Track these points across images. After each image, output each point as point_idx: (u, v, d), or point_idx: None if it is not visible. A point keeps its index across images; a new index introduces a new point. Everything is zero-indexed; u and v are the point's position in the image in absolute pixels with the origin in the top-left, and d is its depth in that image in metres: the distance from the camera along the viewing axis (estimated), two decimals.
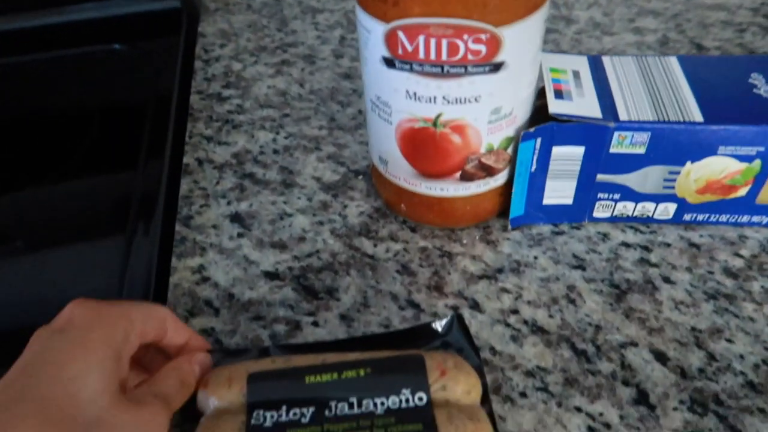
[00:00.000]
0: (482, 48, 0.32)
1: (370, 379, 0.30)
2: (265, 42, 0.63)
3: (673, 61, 0.43)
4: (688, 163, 0.40)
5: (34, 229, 0.49)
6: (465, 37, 0.32)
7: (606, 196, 0.42)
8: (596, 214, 0.44)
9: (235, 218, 0.46)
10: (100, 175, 0.53)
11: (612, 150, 0.39)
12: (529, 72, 0.36)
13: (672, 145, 0.39)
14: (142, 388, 0.29)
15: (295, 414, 0.29)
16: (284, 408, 0.29)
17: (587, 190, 0.42)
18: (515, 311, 0.40)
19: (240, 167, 0.50)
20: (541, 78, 0.40)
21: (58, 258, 0.47)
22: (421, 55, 0.33)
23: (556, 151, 0.40)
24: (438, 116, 0.36)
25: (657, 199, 0.42)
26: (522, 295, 0.41)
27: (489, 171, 0.40)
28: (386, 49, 0.34)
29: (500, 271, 0.42)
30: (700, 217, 0.43)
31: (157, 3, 0.68)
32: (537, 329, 0.39)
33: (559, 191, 0.42)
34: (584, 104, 0.39)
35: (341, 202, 0.47)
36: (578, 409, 0.35)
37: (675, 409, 0.35)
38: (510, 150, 0.39)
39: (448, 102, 0.35)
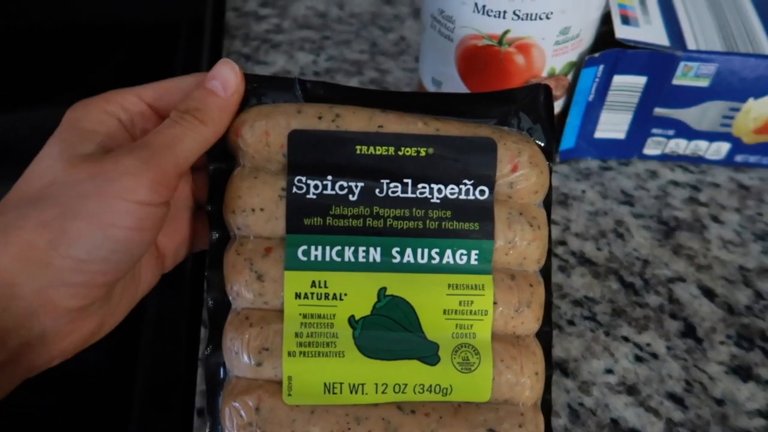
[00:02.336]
0: None
1: (431, 161, 0.25)
2: None
3: None
4: (750, 100, 0.39)
5: None
6: None
7: (660, 131, 0.41)
8: (646, 150, 0.43)
9: None
10: None
11: (675, 82, 0.38)
12: None
13: (737, 80, 0.38)
14: (126, 144, 0.24)
15: (342, 188, 0.25)
16: (330, 179, 0.25)
17: (642, 124, 0.41)
18: (563, 242, 0.39)
19: None
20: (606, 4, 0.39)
21: None
22: None
23: (617, 80, 0.39)
24: (505, 33, 0.34)
25: (711, 137, 0.41)
26: (570, 227, 0.40)
27: None
28: None
29: None
30: (752, 159, 0.42)
31: None
32: (585, 261, 0.38)
33: (614, 124, 0.41)
34: (651, 31, 0.38)
35: None
36: (625, 339, 0.35)
37: (722, 343, 0.35)
38: (570, 76, 0.38)
39: (518, 17, 0.33)
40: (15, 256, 0.21)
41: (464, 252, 0.25)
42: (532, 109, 0.26)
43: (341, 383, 0.25)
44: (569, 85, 0.39)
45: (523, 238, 0.26)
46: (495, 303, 0.26)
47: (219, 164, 0.26)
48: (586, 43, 0.37)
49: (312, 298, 0.25)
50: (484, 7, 0.33)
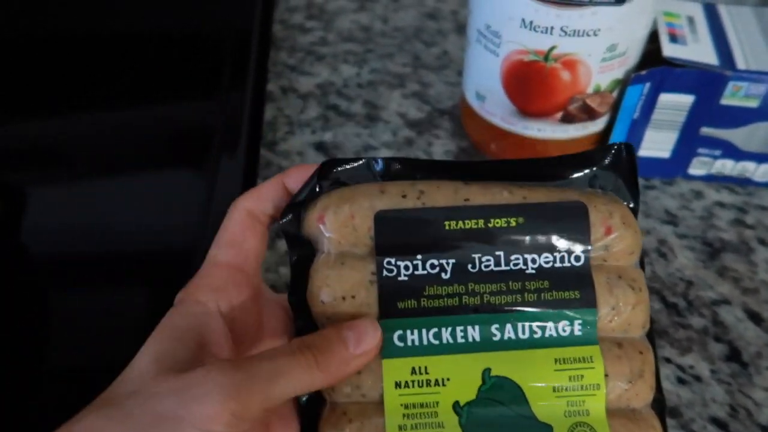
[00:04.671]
0: None
1: (522, 231, 0.24)
2: None
3: None
4: None
5: (114, 155, 0.49)
6: None
7: (706, 151, 0.41)
8: (691, 170, 0.42)
9: (320, 147, 0.46)
10: (179, 102, 0.53)
11: (723, 101, 0.38)
12: (650, 10, 0.35)
13: None
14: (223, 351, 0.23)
15: (433, 266, 0.24)
16: (420, 258, 0.24)
17: (688, 143, 0.40)
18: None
19: (324, 98, 0.49)
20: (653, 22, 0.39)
21: (137, 187, 0.47)
22: None
23: (663, 98, 0.38)
24: (551, 49, 0.35)
25: (760, 158, 0.41)
26: None
27: (591, 114, 0.38)
28: None
29: None
30: None
31: None
32: None
33: (658, 143, 0.41)
34: (699, 50, 0.38)
35: (426, 139, 0.46)
36: (667, 360, 0.34)
37: None
38: (615, 93, 0.38)
39: (565, 34, 0.34)
40: None
41: (567, 323, 0.24)
42: (614, 167, 0.26)
43: None
44: (614, 102, 0.39)
45: (626, 302, 0.24)
46: (606, 375, 0.24)
47: (298, 252, 0.25)
48: (632, 60, 0.37)
49: (413, 386, 0.24)
50: (531, 22, 0.34)
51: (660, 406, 0.25)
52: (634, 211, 0.26)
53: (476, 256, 0.24)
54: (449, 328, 0.24)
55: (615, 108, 0.39)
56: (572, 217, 0.24)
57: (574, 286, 0.24)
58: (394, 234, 0.24)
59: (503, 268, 0.24)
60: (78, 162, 0.49)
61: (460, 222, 0.24)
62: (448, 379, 0.24)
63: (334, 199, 0.25)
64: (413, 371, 0.24)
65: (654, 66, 0.37)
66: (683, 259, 0.39)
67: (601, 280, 0.24)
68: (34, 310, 0.39)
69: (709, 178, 0.42)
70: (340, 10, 0.58)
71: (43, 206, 0.46)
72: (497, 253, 0.24)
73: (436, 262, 0.24)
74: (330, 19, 0.57)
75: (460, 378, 0.24)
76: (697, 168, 0.42)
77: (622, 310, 0.24)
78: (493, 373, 0.24)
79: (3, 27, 0.57)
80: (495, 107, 0.39)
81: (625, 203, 0.26)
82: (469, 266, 0.24)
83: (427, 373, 0.24)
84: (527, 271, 0.24)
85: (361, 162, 0.25)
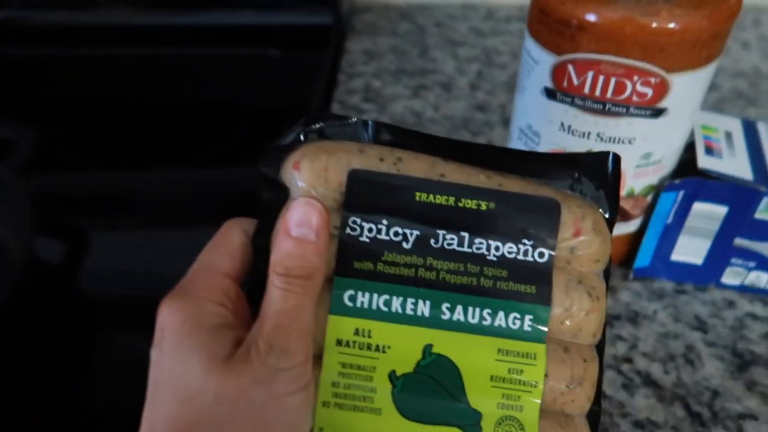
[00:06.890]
0: (649, 91, 0.33)
1: (491, 216, 0.24)
2: (405, 66, 0.66)
3: None
4: None
5: (179, 210, 0.53)
6: (634, 78, 0.33)
7: (740, 262, 0.41)
8: (725, 279, 0.42)
9: None
10: (243, 166, 0.57)
11: (758, 215, 0.39)
12: (687, 123, 0.37)
13: None
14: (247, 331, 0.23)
15: (396, 234, 0.24)
16: (385, 223, 0.24)
17: (721, 252, 0.41)
18: (629, 360, 0.39)
19: None
20: (691, 133, 0.40)
21: (198, 240, 0.51)
22: (586, 90, 0.34)
23: (697, 207, 0.39)
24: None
25: None
26: (637, 345, 0.40)
27: (624, 216, 0.40)
28: (551, 81, 0.35)
29: (617, 318, 0.41)
30: None
31: (311, 17, 0.73)
32: (650, 382, 0.38)
33: (691, 249, 0.42)
34: (735, 164, 0.39)
35: None
36: None
37: None
38: (649, 198, 0.40)
39: (601, 140, 0.36)
40: None
41: (518, 315, 0.24)
42: (597, 176, 0.26)
43: None
44: (648, 206, 0.40)
45: (581, 307, 0.24)
46: (546, 375, 0.24)
47: (270, 194, 0.25)
48: (667, 168, 0.38)
49: (354, 346, 0.24)
50: (569, 127, 0.36)
51: (594, 418, 0.25)
52: (611, 222, 0.26)
53: (441, 232, 0.24)
54: (400, 298, 0.24)
55: (649, 211, 0.40)
56: (544, 212, 0.25)
57: (532, 281, 0.24)
58: (364, 194, 0.24)
59: (465, 249, 0.24)
60: (143, 213, 0.53)
61: (431, 195, 0.24)
62: (389, 347, 0.24)
63: (312, 149, 0.25)
64: (356, 332, 0.24)
65: (689, 175, 0.38)
66: (711, 368, 0.39)
67: (560, 281, 0.24)
68: (82, 350, 0.41)
69: (743, 289, 0.43)
70: (396, 96, 0.62)
71: (104, 251, 0.50)
72: (462, 233, 0.24)
73: (400, 230, 0.24)
74: (384, 104, 0.61)
75: (402, 348, 0.24)
76: (730, 277, 0.42)
77: (576, 314, 0.24)
78: (435, 350, 0.24)
79: (91, 86, 0.63)
80: None
81: (603, 212, 0.25)
82: (432, 241, 0.24)
83: (369, 336, 0.24)
84: (488, 257, 0.24)
85: (352, 121, 0.25)
